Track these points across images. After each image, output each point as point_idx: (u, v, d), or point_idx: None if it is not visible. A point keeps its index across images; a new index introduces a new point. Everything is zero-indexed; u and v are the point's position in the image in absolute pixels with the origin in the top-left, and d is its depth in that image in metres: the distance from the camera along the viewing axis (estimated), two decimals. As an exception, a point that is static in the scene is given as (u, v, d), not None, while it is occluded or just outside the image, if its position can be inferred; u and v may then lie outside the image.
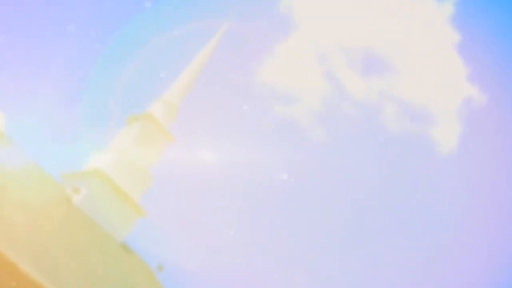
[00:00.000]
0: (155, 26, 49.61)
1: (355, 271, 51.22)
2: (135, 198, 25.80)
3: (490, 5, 52.23)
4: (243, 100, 51.28)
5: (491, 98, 51.32)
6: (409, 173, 52.38)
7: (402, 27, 51.75)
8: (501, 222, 50.70)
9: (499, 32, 51.88)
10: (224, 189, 50.38)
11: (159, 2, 49.40)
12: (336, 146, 53.61)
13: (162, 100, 28.33)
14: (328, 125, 53.17)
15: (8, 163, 20.69)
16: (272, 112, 52.13)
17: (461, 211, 51.86)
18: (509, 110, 50.91)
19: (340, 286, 50.46)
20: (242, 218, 51.03)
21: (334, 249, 51.54)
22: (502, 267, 50.00)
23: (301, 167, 51.85)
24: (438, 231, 51.93)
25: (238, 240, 49.74)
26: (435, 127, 52.64)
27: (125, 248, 24.30)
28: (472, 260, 50.87)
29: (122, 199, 25.08)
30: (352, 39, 53.59)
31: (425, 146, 52.96)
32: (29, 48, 45.79)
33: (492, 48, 51.88)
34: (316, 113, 53.07)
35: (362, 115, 52.98)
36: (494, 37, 51.94)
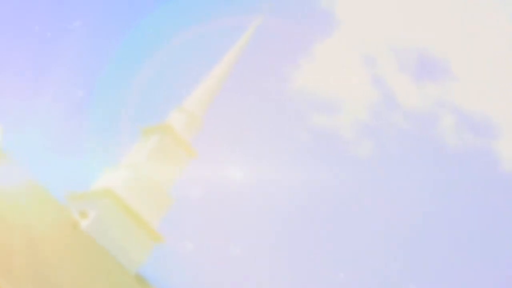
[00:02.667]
0: (175, 23, 50.17)
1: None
2: (152, 222, 25.79)
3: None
4: (277, 109, 51.77)
5: None
6: (470, 193, 52.60)
7: (462, 25, 52.52)
8: None
9: None
10: (254, 212, 50.89)
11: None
12: (385, 163, 53.74)
13: (183, 109, 28.42)
14: (376, 138, 53.50)
15: (4, 182, 20.58)
16: (309, 123, 52.62)
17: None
18: None
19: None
20: (276, 245, 51.82)
21: (380, 282, 50.72)
22: None
23: (343, 188, 51.54)
24: (505, 261, 50.71)
25: (269, 271, 49.74)
26: (499, 141, 52.73)
27: (140, 280, 23.99)
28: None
29: (137, 224, 25.04)
30: (404, 38, 54.04)
31: (488, 162, 52.93)
32: (28, 48, 46.61)
33: None
34: (362, 125, 53.34)
35: (415, 127, 53.03)
36: None
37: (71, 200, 25.41)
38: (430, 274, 51.77)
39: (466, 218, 52.92)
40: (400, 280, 51.20)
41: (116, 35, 49.46)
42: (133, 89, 44.40)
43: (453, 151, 52.63)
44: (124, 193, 25.19)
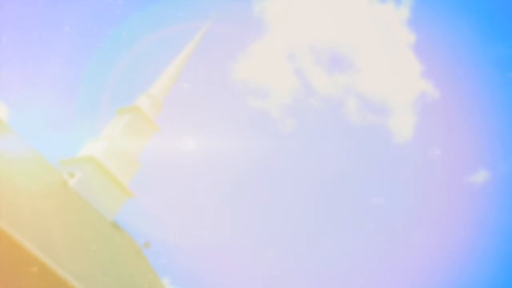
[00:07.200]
0: (145, 28, 50.57)
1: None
2: (124, 181, 25.80)
3: None
4: (221, 94, 52.28)
5: None
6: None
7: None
8: None
9: None
10: (202, 174, 51.97)
11: (150, 5, 50.02)
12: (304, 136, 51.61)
13: (148, 94, 28.39)
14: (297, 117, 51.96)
15: (10, 151, 20.63)
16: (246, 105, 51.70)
17: None
18: None
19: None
20: (221, 201, 52.13)
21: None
22: None
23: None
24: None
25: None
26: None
27: (115, 226, 24.32)
28: None
29: (113, 182, 24.96)
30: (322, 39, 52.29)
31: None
32: (31, 47, 46.61)
33: None
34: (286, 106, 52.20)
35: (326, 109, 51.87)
36: None
37: (62, 164, 25.42)
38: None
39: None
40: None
41: (99, 38, 49.51)
42: (111, 78, 45.75)
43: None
44: (103, 159, 24.99)
